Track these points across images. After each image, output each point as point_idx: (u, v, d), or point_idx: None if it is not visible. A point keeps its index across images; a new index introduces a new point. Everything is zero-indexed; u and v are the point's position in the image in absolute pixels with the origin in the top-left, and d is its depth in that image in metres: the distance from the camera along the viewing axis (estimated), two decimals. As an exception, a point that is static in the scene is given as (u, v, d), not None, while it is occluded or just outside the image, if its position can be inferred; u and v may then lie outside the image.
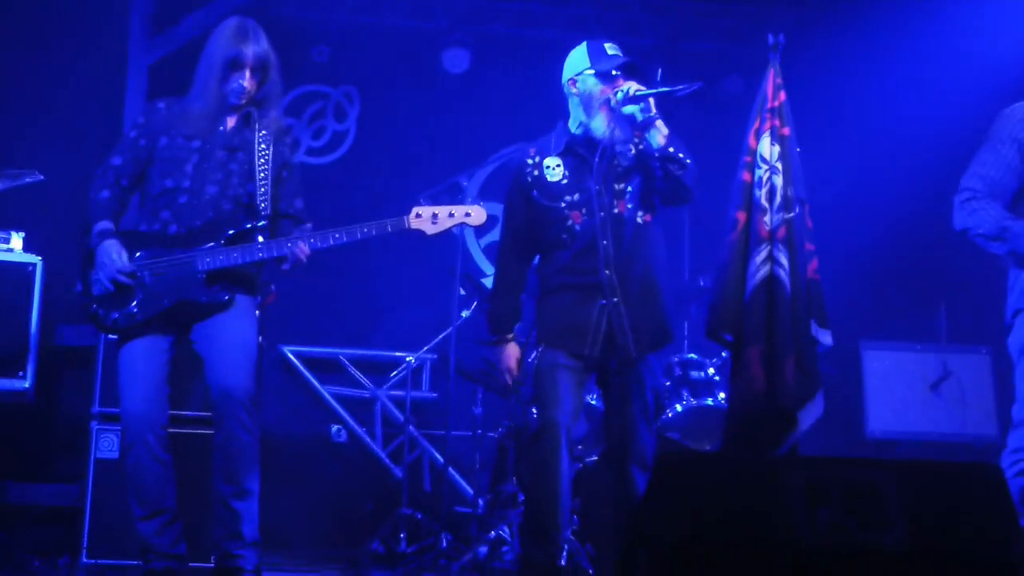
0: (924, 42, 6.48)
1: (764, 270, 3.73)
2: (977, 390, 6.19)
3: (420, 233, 3.82)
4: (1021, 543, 2.58)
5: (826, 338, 3.80)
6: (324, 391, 6.82)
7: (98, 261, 3.76)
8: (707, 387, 5.40)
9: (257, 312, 3.96)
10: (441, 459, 6.39)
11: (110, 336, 4.06)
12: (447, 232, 3.85)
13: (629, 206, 3.89)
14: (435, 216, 3.82)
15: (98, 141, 5.62)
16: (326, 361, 6.87)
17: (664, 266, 3.98)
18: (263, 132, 3.88)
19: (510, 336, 4.08)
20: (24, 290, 4.89)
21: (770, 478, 2.65)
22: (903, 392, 6.21)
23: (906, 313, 6.79)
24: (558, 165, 3.96)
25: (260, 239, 3.80)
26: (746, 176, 3.84)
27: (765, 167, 3.81)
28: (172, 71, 6.14)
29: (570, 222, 3.90)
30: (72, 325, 5.42)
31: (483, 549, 5.08)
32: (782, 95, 3.88)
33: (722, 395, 5.32)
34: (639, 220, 3.90)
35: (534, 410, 5.10)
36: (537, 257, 4.08)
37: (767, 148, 3.82)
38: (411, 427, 5.93)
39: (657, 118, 3.79)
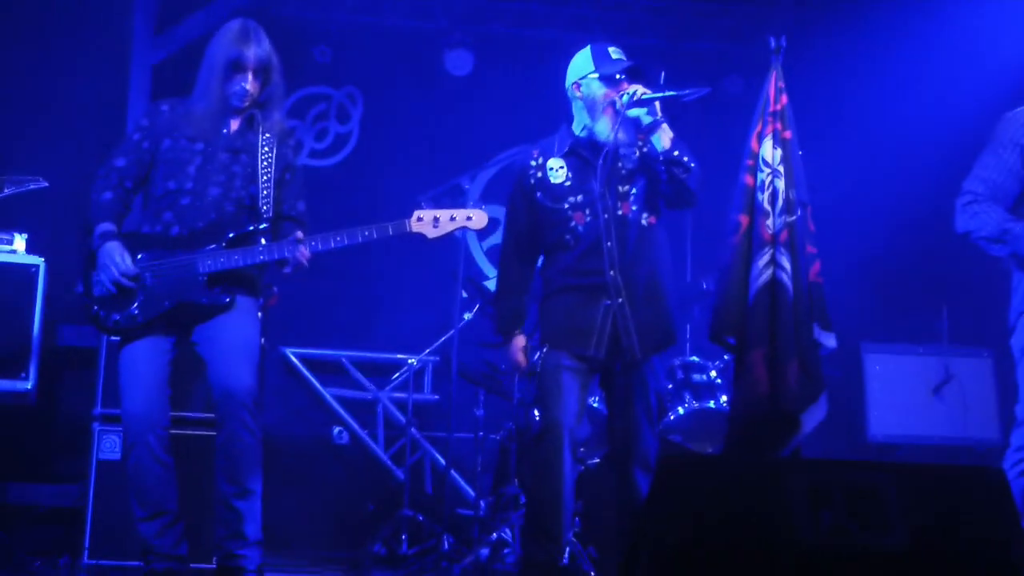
0: (925, 43, 6.47)
1: (767, 273, 3.73)
2: (979, 393, 6.18)
3: (421, 236, 3.82)
4: (1022, 546, 2.58)
5: (829, 341, 3.80)
6: (326, 393, 6.82)
7: (100, 263, 3.75)
8: (709, 390, 5.40)
9: (259, 314, 3.96)
10: (443, 461, 6.39)
11: (112, 337, 4.06)
12: (449, 235, 3.85)
13: (634, 208, 3.89)
14: (436, 219, 3.81)
15: (101, 142, 5.61)
16: (328, 363, 6.87)
17: (668, 268, 3.99)
18: (266, 135, 3.89)
19: (516, 332, 4.09)
20: (27, 291, 4.89)
21: (772, 480, 2.66)
22: (905, 395, 6.20)
23: (908, 315, 6.79)
24: (561, 167, 3.96)
25: (263, 241, 3.80)
26: (748, 179, 3.85)
27: (767, 170, 3.82)
28: (175, 71, 6.15)
29: (573, 223, 3.90)
30: (74, 326, 5.43)
31: (485, 551, 5.07)
32: (784, 98, 3.89)
33: (724, 398, 5.32)
34: (644, 222, 3.90)
35: (535, 412, 5.12)
36: (540, 260, 4.09)
37: (769, 151, 3.83)
38: (413, 429, 5.92)
39: (663, 121, 3.81)
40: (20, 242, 4.98)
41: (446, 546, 5.14)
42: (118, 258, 3.73)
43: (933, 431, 6.17)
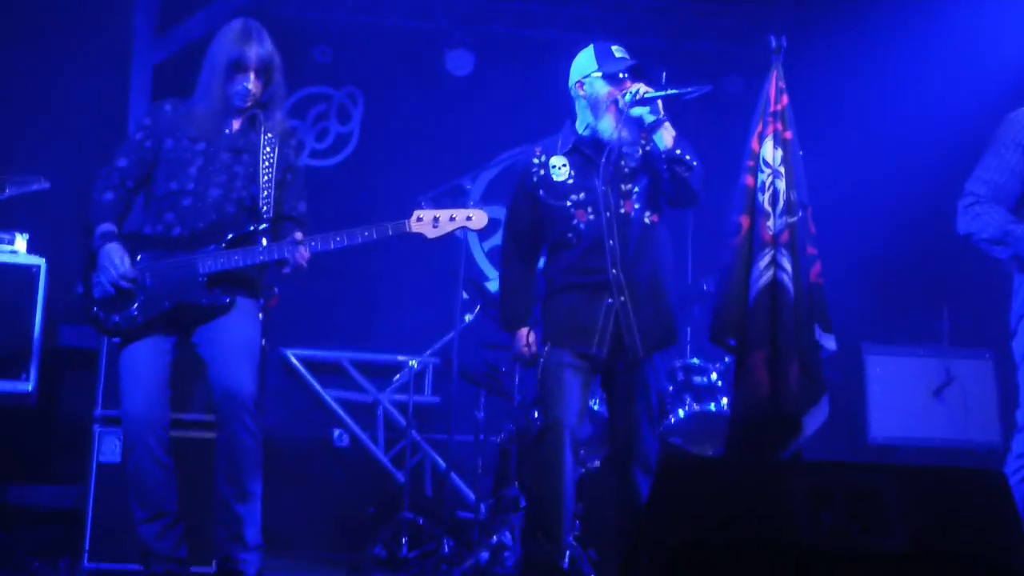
0: (925, 43, 6.46)
1: (768, 275, 3.73)
2: (980, 395, 6.17)
3: (421, 237, 3.82)
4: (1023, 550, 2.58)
5: (830, 343, 3.80)
6: (326, 395, 6.81)
7: (100, 264, 3.75)
8: (710, 392, 5.39)
9: (260, 315, 3.96)
10: (443, 463, 6.38)
11: (112, 339, 4.06)
12: (449, 235, 3.85)
13: (636, 206, 3.89)
14: (436, 220, 3.81)
15: (101, 142, 5.62)
16: (328, 364, 6.86)
17: (671, 267, 3.99)
18: (268, 135, 3.88)
19: (522, 326, 4.09)
20: (27, 292, 4.89)
21: (773, 482, 2.66)
22: (905, 397, 6.19)
23: (908, 317, 6.78)
24: (564, 164, 3.96)
25: (263, 242, 3.80)
26: (749, 180, 3.85)
27: (768, 171, 3.82)
28: (176, 71, 6.15)
29: (575, 221, 3.90)
30: (75, 327, 5.42)
31: (485, 554, 5.06)
32: (784, 99, 3.88)
33: (725, 400, 5.31)
34: (646, 220, 3.91)
35: (536, 414, 5.11)
36: (542, 259, 4.09)
37: (770, 152, 3.83)
38: (413, 431, 5.92)
39: (665, 120, 3.81)
40: (21, 242, 4.98)
41: (446, 549, 5.13)
42: (117, 260, 3.72)
43: (934, 433, 6.17)
